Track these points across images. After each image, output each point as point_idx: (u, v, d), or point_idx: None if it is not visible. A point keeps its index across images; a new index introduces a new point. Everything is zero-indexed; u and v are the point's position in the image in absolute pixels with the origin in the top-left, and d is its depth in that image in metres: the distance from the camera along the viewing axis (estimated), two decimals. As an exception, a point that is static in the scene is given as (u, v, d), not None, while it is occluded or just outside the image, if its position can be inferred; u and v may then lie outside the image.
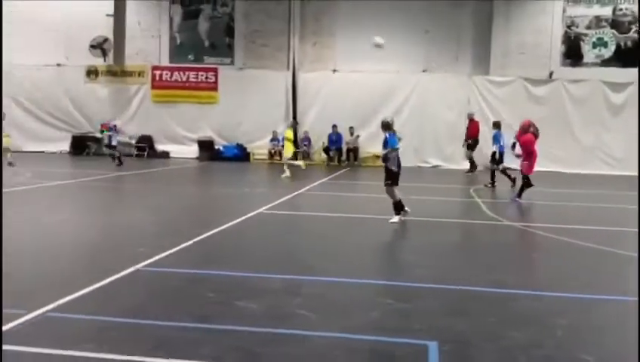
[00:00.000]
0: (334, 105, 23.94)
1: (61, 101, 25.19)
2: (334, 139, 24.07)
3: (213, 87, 24.96)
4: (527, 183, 13.04)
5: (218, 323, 4.74)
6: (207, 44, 25.13)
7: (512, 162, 16.14)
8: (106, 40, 24.71)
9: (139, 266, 6.40)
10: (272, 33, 24.66)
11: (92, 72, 25.21)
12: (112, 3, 24.53)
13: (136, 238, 8.39)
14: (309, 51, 24.63)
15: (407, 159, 23.39)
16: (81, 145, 24.85)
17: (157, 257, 6.85)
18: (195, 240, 7.95)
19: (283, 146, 18.99)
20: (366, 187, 16.41)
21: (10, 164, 17.62)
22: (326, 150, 24.16)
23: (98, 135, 24.76)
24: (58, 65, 25.19)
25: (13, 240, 7.93)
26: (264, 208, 11.07)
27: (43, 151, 24.66)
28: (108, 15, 24.53)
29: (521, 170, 13.22)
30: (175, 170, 20.01)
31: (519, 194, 13.04)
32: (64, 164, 20.22)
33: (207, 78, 24.98)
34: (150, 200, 12.81)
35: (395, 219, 9.88)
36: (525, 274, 7.11)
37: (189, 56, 25.16)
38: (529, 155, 13.02)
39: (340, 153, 24.07)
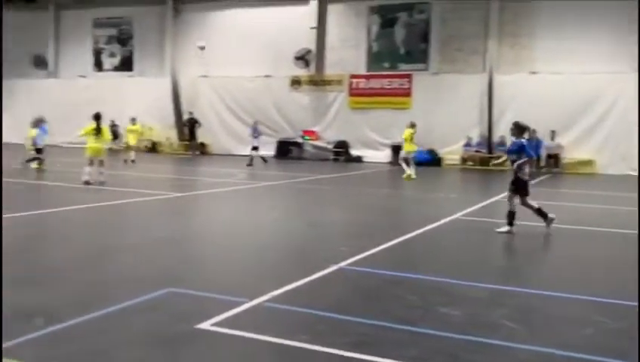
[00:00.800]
0: (533, 109, 22.67)
1: (268, 109, 27.36)
2: (532, 144, 22.83)
3: (407, 92, 25.19)
4: None
5: (421, 327, 4.77)
6: (402, 51, 25.47)
7: None
8: (309, 51, 26.27)
9: (342, 265, 6.73)
10: (468, 37, 24.21)
11: (296, 82, 27.00)
12: (316, 16, 26.07)
13: (338, 238, 8.82)
14: (506, 53, 23.73)
15: (616, 167, 21.56)
16: (284, 150, 26.72)
17: (358, 257, 7.14)
18: (393, 242, 8.14)
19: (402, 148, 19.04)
20: (568, 196, 15.36)
21: (132, 161, 20.80)
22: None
23: (299, 140, 26.49)
24: (266, 76, 27.42)
25: (234, 236, 8.85)
26: (460, 214, 10.93)
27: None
28: (312, 28, 26.13)
29: None
30: (369, 174, 20.58)
31: None
32: (270, 167, 21.83)
33: (401, 84, 25.30)
34: (348, 201, 13.36)
35: (504, 229, 9.04)
36: None
37: (385, 64, 25.72)
38: None
39: (539, 159, 22.77)
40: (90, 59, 31.86)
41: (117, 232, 8.87)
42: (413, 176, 17.80)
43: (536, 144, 22.73)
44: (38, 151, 17.43)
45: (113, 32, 31.32)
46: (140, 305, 5.11)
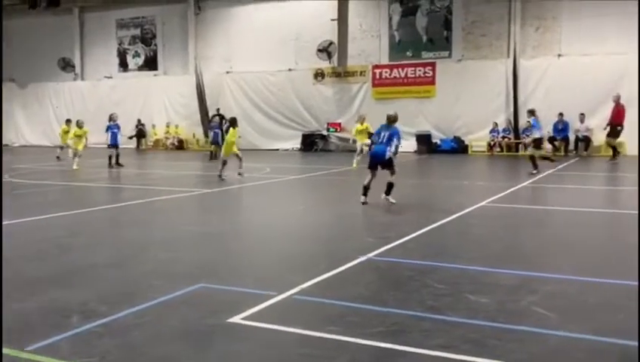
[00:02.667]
0: (560, 92, 22.39)
1: (292, 102, 27.42)
2: (560, 128, 22.51)
3: (431, 81, 25.01)
4: None
5: (450, 315, 4.78)
6: (425, 39, 25.26)
7: None
8: (331, 43, 26.21)
9: (370, 255, 6.76)
10: (491, 22, 23.93)
11: (319, 74, 26.99)
12: (336, 8, 26.00)
13: (365, 229, 8.86)
14: (531, 37, 23.38)
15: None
16: (310, 143, 26.77)
17: (386, 247, 7.15)
18: (420, 231, 8.14)
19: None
20: (597, 179, 15.13)
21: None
22: (551, 140, 22.70)
23: (324, 132, 26.52)
24: (289, 70, 27.47)
25: (262, 230, 8.95)
26: (487, 201, 10.86)
27: (277, 149, 27.10)
28: (332, 20, 26.07)
29: None
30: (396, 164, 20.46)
31: None
32: (296, 160, 21.92)
33: (424, 73, 25.11)
34: (374, 192, 13.34)
35: None
36: None
37: (408, 53, 25.54)
38: None
39: (568, 143, 22.43)
40: (115, 59, 32.31)
41: (149, 229, 9.03)
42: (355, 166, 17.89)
43: (563, 127, 22.44)
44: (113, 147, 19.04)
45: (137, 32, 31.70)
46: (173, 300, 5.22)
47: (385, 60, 25.96)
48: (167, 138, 29.73)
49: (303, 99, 27.25)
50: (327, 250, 7.46)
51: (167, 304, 5.12)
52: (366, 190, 10.69)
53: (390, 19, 25.73)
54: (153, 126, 30.36)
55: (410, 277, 6.00)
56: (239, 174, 15.26)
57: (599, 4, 21.72)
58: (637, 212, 8.97)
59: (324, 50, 26.19)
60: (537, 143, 15.77)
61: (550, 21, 23.03)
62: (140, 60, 31.83)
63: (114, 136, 19.21)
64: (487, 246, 7.59)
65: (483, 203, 10.65)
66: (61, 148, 22.43)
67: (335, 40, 26.20)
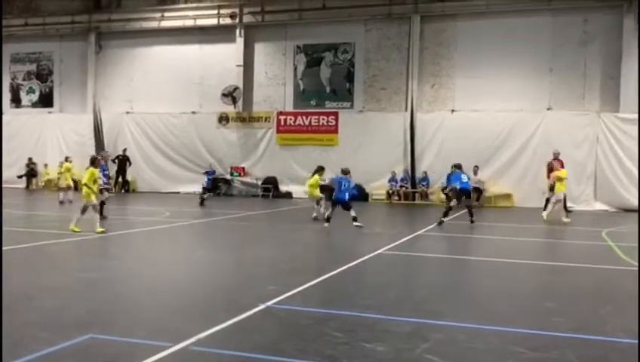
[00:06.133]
0: (454, 145, 23.70)
1: (195, 145, 27.12)
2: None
3: (334, 130, 25.71)
4: None
5: (347, 364, 4.83)
6: (328, 89, 26.05)
7: None
8: (236, 88, 26.37)
9: (269, 303, 6.72)
10: (391, 77, 25.12)
11: (223, 118, 26.97)
12: (242, 55, 26.31)
13: (265, 276, 8.79)
14: (427, 93, 24.74)
15: (534, 200, 22.66)
16: (213, 186, 26.40)
17: (285, 295, 7.14)
18: (319, 279, 8.21)
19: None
20: (490, 229, 15.98)
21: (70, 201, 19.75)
22: (445, 190, 23.83)
23: (228, 176, 26.36)
24: (193, 112, 27.26)
25: (158, 276, 8.65)
26: (384, 249, 11.16)
27: (179, 192, 26.54)
28: (238, 65, 26.32)
29: None
30: (298, 210, 20.66)
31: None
32: (197, 204, 21.51)
33: (328, 121, 25.81)
34: (276, 238, 13.37)
35: None
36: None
37: (312, 102, 26.19)
38: None
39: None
40: (7, 95, 30.63)
41: (36, 274, 8.47)
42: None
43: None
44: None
45: (32, 67, 30.36)
46: (59, 352, 4.90)
47: (290, 107, 26.43)
48: (59, 178, 28.27)
49: (207, 143, 27.06)
50: (225, 297, 7.33)
51: (52, 357, 4.81)
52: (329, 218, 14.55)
53: (295, 68, 26.36)
54: (45, 165, 28.85)
55: (309, 326, 6.01)
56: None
57: (491, 66, 23.47)
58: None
59: (229, 95, 26.29)
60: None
61: (445, 79, 24.52)
62: (35, 97, 30.41)
63: None
64: (382, 293, 7.77)
65: (380, 250, 10.94)
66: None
67: (240, 85, 26.40)
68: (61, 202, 20.40)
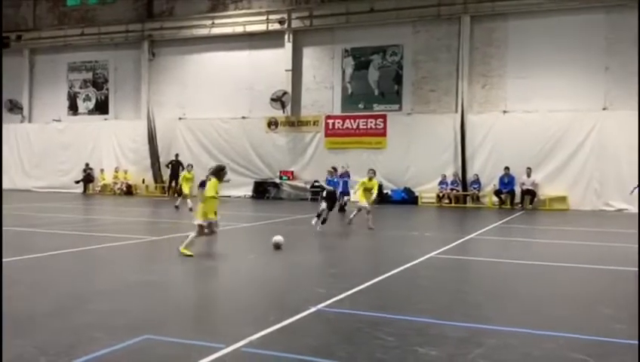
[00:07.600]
0: (505, 147, 23.28)
1: (245, 150, 27.47)
2: (506, 182, 23.26)
3: (382, 133, 25.58)
4: None
5: (399, 368, 4.78)
6: (376, 92, 25.96)
7: None
8: (285, 93, 26.59)
9: (320, 306, 6.71)
10: (440, 78, 24.84)
11: (272, 123, 27.24)
12: (290, 59, 26.53)
13: (316, 279, 8.80)
14: (477, 93, 24.34)
15: (589, 202, 22.00)
16: (261, 190, 26.73)
17: (336, 298, 7.12)
18: (370, 282, 8.15)
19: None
20: (544, 232, 15.57)
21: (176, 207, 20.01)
22: (497, 193, 23.40)
23: (277, 180, 26.59)
24: (243, 117, 27.65)
25: (211, 279, 8.78)
26: (435, 252, 11.01)
27: (229, 196, 26.90)
28: (287, 70, 26.55)
29: None
30: (347, 213, 20.59)
31: None
32: (248, 208, 21.82)
33: (376, 124, 25.70)
34: (326, 241, 13.36)
35: None
36: None
37: (360, 105, 26.15)
38: None
39: (513, 196, 23.14)
40: (64, 102, 31.82)
41: (91, 279, 8.73)
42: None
43: (509, 181, 23.19)
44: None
45: (88, 75, 31.41)
46: (115, 353, 5.02)
47: (337, 111, 26.47)
48: (115, 183, 29.16)
49: (256, 147, 27.38)
50: (277, 300, 7.36)
51: (108, 357, 4.92)
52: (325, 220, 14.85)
53: (343, 72, 26.39)
54: (102, 170, 29.79)
55: (360, 329, 5.97)
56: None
57: (543, 64, 22.93)
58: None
59: (278, 100, 26.53)
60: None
61: (496, 79, 24.08)
62: (91, 104, 31.44)
63: None
64: (435, 297, 7.66)
65: (431, 254, 10.79)
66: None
67: (289, 90, 26.61)
68: (176, 206, 20.36)
